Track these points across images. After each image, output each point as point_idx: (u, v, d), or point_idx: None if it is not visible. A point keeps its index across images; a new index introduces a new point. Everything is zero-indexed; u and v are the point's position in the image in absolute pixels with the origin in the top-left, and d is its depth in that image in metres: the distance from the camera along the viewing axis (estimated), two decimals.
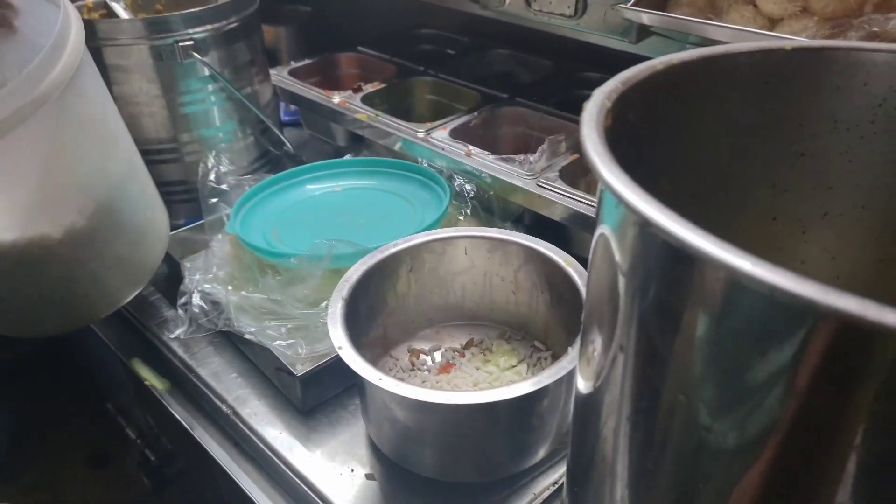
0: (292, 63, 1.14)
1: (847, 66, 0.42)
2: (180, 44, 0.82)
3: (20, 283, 0.61)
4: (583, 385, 0.40)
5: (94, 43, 0.81)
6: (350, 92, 1.02)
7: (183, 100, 0.87)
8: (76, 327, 0.73)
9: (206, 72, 0.86)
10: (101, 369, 1.00)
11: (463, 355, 0.68)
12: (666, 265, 0.28)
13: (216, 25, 0.85)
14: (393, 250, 0.66)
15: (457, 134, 0.90)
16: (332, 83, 1.16)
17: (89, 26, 0.73)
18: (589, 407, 0.38)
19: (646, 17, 0.62)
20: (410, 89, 1.09)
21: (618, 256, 0.31)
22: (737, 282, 0.23)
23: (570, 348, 0.53)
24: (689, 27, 0.60)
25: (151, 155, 0.87)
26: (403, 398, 0.50)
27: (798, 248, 0.48)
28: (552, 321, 0.67)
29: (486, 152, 0.84)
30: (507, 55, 1.13)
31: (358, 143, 1.04)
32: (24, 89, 0.50)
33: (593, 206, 0.75)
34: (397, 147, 0.93)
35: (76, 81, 0.57)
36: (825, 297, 0.21)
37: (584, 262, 0.64)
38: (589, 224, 0.75)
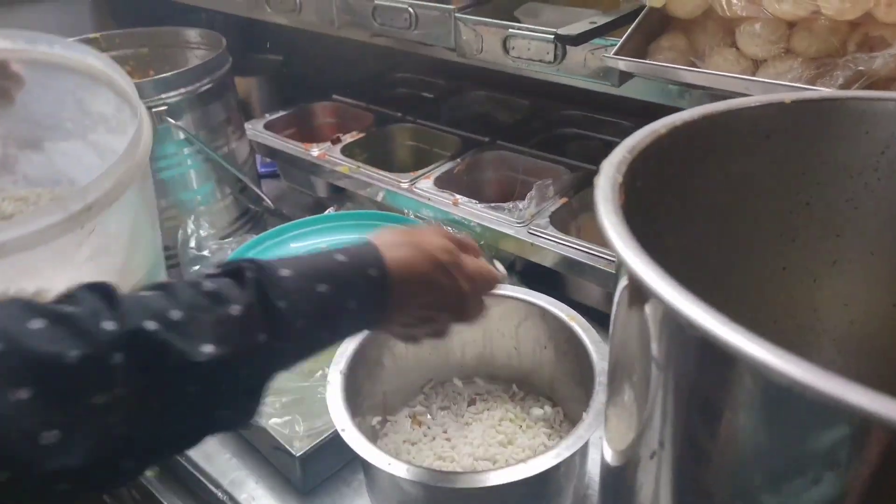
0: (267, 115, 1.12)
1: (848, 116, 0.42)
2: (154, 109, 0.79)
3: None
4: (611, 457, 0.38)
5: None
6: (329, 144, 1.00)
7: (159, 165, 0.84)
8: None
9: (182, 135, 0.84)
10: None
11: (466, 417, 0.66)
12: (703, 362, 0.26)
13: (189, 88, 0.83)
14: None
15: (442, 182, 0.89)
16: (309, 134, 1.14)
17: None
18: (622, 492, 0.36)
19: (623, 65, 0.61)
20: (390, 137, 1.08)
21: (651, 334, 0.29)
22: (786, 388, 0.22)
23: (584, 413, 0.51)
24: (667, 73, 0.59)
25: None
26: (414, 483, 0.47)
27: (810, 297, 0.47)
28: (557, 375, 0.65)
29: (474, 201, 0.83)
30: (485, 96, 1.13)
31: (339, 193, 1.02)
32: (123, 166, 0.59)
33: (586, 252, 0.74)
34: (380, 197, 0.91)
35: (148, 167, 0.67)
36: (881, 408, 0.19)
37: (578, 306, 0.63)
38: (584, 270, 0.74)
